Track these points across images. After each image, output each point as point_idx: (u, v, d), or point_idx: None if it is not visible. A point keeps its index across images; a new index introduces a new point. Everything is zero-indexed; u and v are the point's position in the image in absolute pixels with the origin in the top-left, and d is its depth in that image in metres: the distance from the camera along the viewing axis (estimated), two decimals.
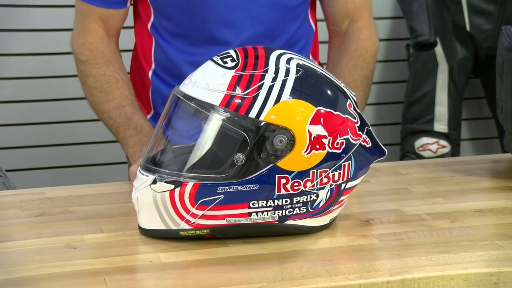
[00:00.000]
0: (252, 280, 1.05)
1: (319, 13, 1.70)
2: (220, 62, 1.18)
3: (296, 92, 1.15)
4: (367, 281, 1.05)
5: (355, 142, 1.18)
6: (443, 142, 2.92)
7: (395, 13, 3.15)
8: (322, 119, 1.15)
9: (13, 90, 2.88)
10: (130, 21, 1.67)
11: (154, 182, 1.17)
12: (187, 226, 1.17)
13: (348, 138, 1.17)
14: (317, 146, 1.15)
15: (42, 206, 1.35)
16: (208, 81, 1.17)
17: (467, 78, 2.98)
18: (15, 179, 2.44)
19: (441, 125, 2.92)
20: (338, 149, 1.16)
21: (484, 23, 2.91)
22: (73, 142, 2.97)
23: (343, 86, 1.21)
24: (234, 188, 1.15)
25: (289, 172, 1.15)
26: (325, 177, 1.17)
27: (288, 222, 1.18)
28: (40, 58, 2.85)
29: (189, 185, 1.15)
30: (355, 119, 1.19)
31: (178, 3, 1.55)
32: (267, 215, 1.17)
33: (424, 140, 2.92)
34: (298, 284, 1.04)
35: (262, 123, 1.14)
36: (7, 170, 2.37)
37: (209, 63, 1.20)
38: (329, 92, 1.18)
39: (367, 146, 1.20)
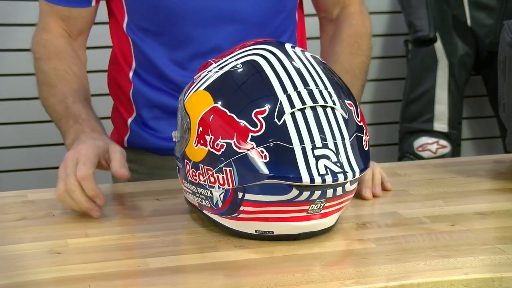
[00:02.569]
0: (244, 286, 1.05)
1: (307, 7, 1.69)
2: None
3: (214, 84, 1.19)
4: (364, 287, 1.05)
5: (238, 150, 1.14)
6: (443, 142, 2.92)
7: (393, 8, 3.15)
8: (212, 116, 1.16)
9: None
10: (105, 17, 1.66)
11: None
12: None
13: (230, 143, 1.14)
14: (201, 141, 1.17)
15: (24, 209, 1.35)
16: None
17: (468, 75, 2.98)
18: None
19: (441, 124, 2.93)
20: (218, 150, 1.15)
21: (485, 18, 2.91)
22: (56, 142, 2.96)
23: (289, 94, 1.16)
24: (177, 163, 1.26)
25: (189, 160, 1.20)
26: (211, 176, 1.17)
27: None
28: (25, 54, 2.84)
29: None
30: (255, 127, 1.14)
31: (150, 1, 1.54)
32: (193, 198, 1.23)
33: (424, 140, 2.93)
34: None
35: (183, 105, 1.22)
36: None
37: None
38: (242, 92, 1.17)
39: (260, 160, 1.13)
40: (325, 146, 1.14)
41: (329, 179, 1.13)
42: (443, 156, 2.90)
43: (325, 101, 1.16)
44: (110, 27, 1.65)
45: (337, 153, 1.15)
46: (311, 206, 1.16)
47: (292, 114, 1.14)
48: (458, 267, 1.10)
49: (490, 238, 1.21)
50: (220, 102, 1.17)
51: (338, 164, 1.14)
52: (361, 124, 1.20)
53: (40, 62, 1.54)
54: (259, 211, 1.17)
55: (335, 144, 1.15)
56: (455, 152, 2.96)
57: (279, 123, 1.14)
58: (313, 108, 1.15)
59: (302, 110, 1.15)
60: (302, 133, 1.14)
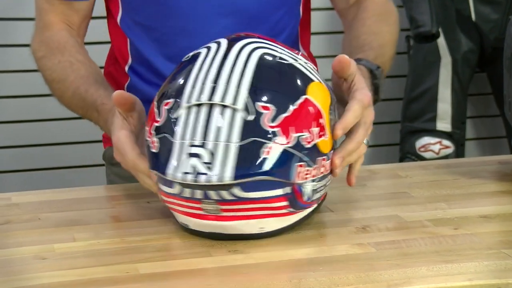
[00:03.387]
0: None
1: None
2: None
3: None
4: None
5: (148, 139, 1.21)
6: (446, 142, 2.93)
7: (393, 2, 3.15)
8: (150, 106, 1.23)
9: None
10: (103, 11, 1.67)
11: None
12: None
13: (146, 131, 1.22)
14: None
15: (8, 213, 1.35)
16: None
17: (472, 72, 2.99)
18: None
19: (444, 124, 2.94)
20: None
21: (490, 12, 2.92)
22: (42, 142, 2.96)
23: (194, 88, 1.17)
24: None
25: None
26: None
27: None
28: (4, 50, 2.85)
29: None
30: (159, 118, 1.19)
31: None
32: None
33: (426, 140, 2.94)
34: None
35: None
36: None
37: None
38: (169, 82, 1.22)
39: (152, 150, 1.19)
40: (203, 145, 1.14)
41: (189, 178, 1.14)
42: (446, 156, 2.91)
43: (223, 100, 1.14)
44: (108, 23, 1.67)
45: (213, 155, 1.13)
46: (203, 205, 1.17)
47: (189, 108, 1.16)
48: (462, 273, 1.11)
49: (495, 242, 1.21)
50: (157, 92, 1.23)
51: (209, 166, 1.13)
52: (273, 130, 1.14)
53: (44, 60, 1.56)
54: (170, 202, 1.21)
55: (215, 145, 1.13)
56: (459, 152, 2.96)
57: (174, 116, 1.17)
58: (212, 106, 1.15)
59: (199, 106, 1.16)
60: (186, 129, 1.15)
